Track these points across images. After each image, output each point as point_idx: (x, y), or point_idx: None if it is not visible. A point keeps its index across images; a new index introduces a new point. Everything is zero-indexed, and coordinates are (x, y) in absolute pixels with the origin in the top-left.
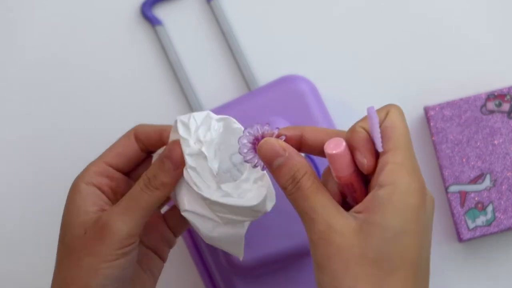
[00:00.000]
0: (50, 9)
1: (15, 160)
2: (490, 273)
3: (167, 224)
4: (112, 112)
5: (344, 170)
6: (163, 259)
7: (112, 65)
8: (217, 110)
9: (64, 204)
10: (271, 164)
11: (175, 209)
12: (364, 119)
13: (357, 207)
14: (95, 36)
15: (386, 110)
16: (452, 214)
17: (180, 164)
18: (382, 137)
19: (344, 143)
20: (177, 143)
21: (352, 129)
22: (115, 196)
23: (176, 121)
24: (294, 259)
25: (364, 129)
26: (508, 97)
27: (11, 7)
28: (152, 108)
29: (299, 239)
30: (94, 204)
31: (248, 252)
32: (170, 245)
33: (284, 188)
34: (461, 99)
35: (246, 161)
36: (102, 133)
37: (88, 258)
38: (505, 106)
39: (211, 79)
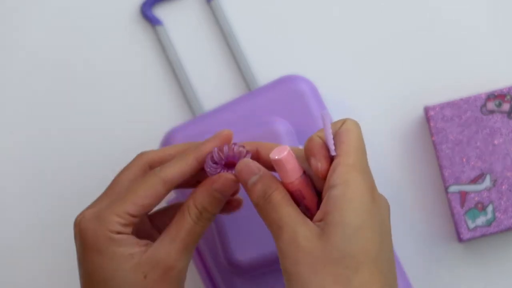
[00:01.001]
0: (50, 9)
1: (15, 163)
2: (490, 273)
3: (153, 225)
4: (112, 112)
5: (290, 176)
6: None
7: (112, 65)
8: (217, 110)
9: (87, 256)
10: (247, 183)
11: (162, 212)
12: (321, 130)
13: (316, 216)
14: (95, 36)
15: (343, 120)
16: (452, 214)
17: (228, 195)
18: (336, 141)
19: (288, 149)
20: (225, 175)
21: (309, 138)
22: (138, 235)
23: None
24: None
25: (320, 138)
26: (508, 97)
27: (10, 7)
28: (152, 108)
29: None
30: (132, 245)
31: (248, 252)
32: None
33: (256, 204)
34: (461, 99)
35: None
36: (102, 133)
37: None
38: (505, 106)
39: (211, 79)
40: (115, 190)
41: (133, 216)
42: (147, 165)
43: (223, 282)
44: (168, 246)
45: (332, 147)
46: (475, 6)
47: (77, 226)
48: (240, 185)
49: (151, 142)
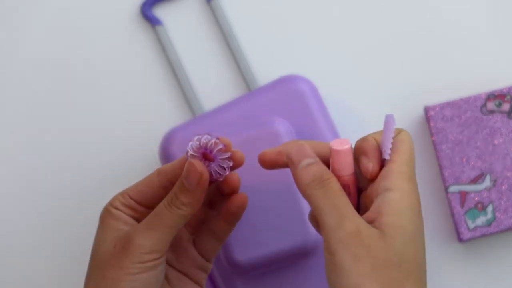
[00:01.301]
0: (50, 9)
1: (15, 163)
2: (490, 273)
3: (196, 249)
4: (112, 111)
5: (345, 169)
6: (199, 284)
7: (112, 65)
8: (217, 110)
9: (96, 231)
10: (298, 164)
11: (202, 234)
12: (376, 133)
13: (367, 215)
14: (95, 36)
15: (399, 130)
16: (452, 214)
17: (196, 184)
18: (393, 150)
19: (349, 142)
20: (192, 163)
21: (364, 138)
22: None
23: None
24: (294, 259)
25: (375, 139)
26: (508, 97)
27: (10, 7)
28: (152, 108)
29: (298, 239)
30: (126, 224)
31: (248, 252)
32: (206, 270)
33: (309, 184)
34: (461, 99)
35: None
36: (102, 133)
37: (112, 270)
38: (505, 106)
39: (211, 79)
40: None
41: (131, 198)
42: (156, 172)
43: (223, 282)
44: (137, 225)
45: (388, 151)
46: (475, 6)
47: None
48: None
49: (151, 142)
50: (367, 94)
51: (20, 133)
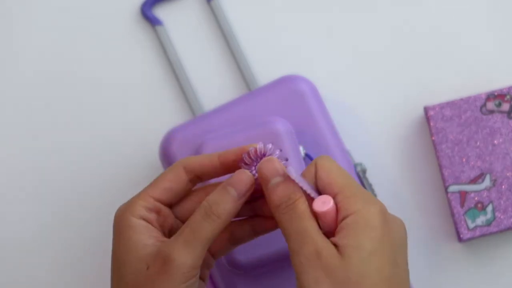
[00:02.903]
0: (50, 9)
1: (18, 166)
2: (490, 273)
3: (208, 249)
4: (112, 112)
5: (332, 224)
6: (204, 280)
7: (112, 65)
8: (217, 110)
9: (113, 240)
10: (268, 182)
11: (221, 234)
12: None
13: (333, 239)
14: (95, 36)
15: (314, 162)
16: (452, 214)
17: (244, 193)
18: (322, 184)
19: (331, 200)
20: (245, 172)
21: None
22: (163, 230)
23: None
24: None
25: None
26: (508, 97)
27: (10, 6)
28: (152, 108)
29: None
30: (150, 237)
31: (248, 252)
32: (209, 267)
33: (276, 207)
34: (461, 99)
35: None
36: (102, 133)
37: None
38: (505, 106)
39: (211, 79)
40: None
41: (156, 199)
42: (181, 168)
43: (223, 282)
44: (173, 241)
45: (313, 193)
46: (475, 7)
47: (115, 214)
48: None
49: (151, 142)
50: (367, 94)
51: (21, 133)
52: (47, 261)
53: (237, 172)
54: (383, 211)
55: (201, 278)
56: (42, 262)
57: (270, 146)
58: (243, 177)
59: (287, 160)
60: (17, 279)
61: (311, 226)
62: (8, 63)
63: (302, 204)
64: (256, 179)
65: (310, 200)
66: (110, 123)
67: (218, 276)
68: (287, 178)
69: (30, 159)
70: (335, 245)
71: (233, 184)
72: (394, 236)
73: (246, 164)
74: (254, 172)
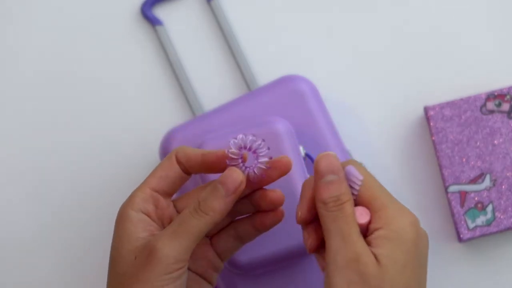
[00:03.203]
0: (49, 9)
1: (18, 166)
2: (490, 273)
3: (214, 249)
4: (112, 112)
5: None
6: (212, 283)
7: (112, 65)
8: (217, 110)
9: (113, 233)
10: (321, 177)
11: (223, 234)
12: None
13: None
14: (95, 36)
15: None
16: (452, 214)
17: (233, 191)
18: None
19: (369, 215)
20: (235, 170)
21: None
22: (162, 222)
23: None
24: (294, 259)
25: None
26: (508, 97)
27: (9, 6)
28: (153, 108)
29: (299, 239)
30: (144, 230)
31: (248, 252)
32: (218, 270)
33: (324, 202)
34: (461, 99)
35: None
36: (102, 133)
37: (137, 284)
38: (505, 106)
39: (211, 79)
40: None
41: (152, 189)
42: (174, 156)
43: (223, 282)
44: (160, 233)
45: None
46: (475, 7)
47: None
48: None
49: (151, 142)
50: (367, 94)
51: (21, 133)
52: (47, 261)
53: (228, 169)
54: (415, 223)
55: (208, 281)
56: (42, 262)
57: (250, 137)
58: (233, 175)
59: (269, 149)
60: (17, 279)
61: (355, 230)
62: (8, 63)
63: (350, 207)
64: (248, 175)
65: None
66: (110, 123)
67: (218, 276)
68: (341, 178)
69: (30, 159)
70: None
71: (222, 182)
72: (421, 250)
73: (232, 159)
74: (241, 166)
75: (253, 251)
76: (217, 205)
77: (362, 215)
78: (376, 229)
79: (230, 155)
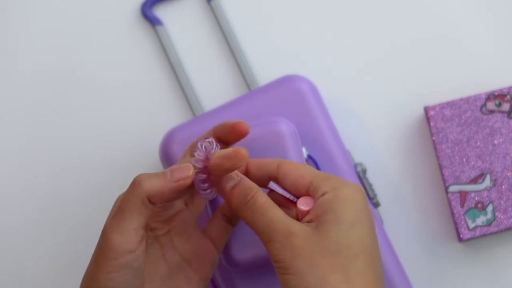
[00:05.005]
0: (49, 9)
1: (18, 163)
2: (490, 273)
3: (208, 237)
4: (112, 112)
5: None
6: (207, 280)
7: (112, 65)
8: (217, 110)
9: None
10: (224, 189)
11: (214, 221)
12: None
13: (306, 218)
14: (95, 36)
15: (276, 164)
16: (452, 214)
17: (176, 180)
18: (296, 178)
19: (313, 202)
20: (189, 166)
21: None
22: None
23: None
24: None
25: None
26: (508, 97)
27: (9, 7)
28: (153, 108)
29: None
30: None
31: (247, 252)
32: (213, 262)
33: (238, 207)
34: (461, 99)
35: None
36: (102, 133)
37: (91, 267)
38: (505, 106)
39: (211, 79)
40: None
41: (144, 228)
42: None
43: (223, 282)
44: (109, 217)
45: (291, 197)
46: (475, 7)
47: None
48: None
49: (151, 142)
50: (367, 94)
51: (21, 133)
52: (47, 261)
53: (183, 165)
54: (360, 189)
55: (202, 274)
56: (42, 262)
57: (198, 145)
58: (183, 168)
59: (216, 144)
60: (16, 279)
61: (276, 214)
62: (8, 63)
63: (261, 197)
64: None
65: (293, 204)
66: (110, 123)
67: (218, 275)
68: (240, 180)
69: (30, 159)
70: (310, 221)
71: (172, 169)
72: (369, 210)
73: (201, 173)
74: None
75: (252, 250)
76: (151, 183)
77: (307, 203)
78: (324, 193)
79: (194, 163)
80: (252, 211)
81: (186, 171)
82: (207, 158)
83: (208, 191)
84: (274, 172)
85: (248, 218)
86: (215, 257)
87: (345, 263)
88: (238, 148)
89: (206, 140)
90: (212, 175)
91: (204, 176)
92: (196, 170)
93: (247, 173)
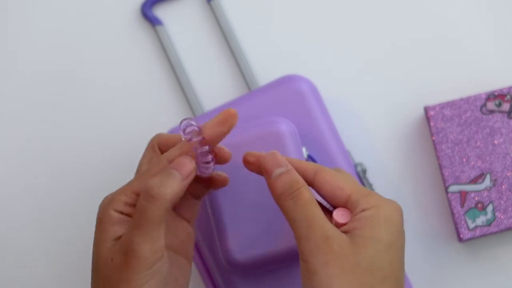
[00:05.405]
0: (49, 9)
1: (19, 163)
2: (490, 273)
3: (176, 211)
4: (112, 112)
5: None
6: (189, 258)
7: (112, 65)
8: (217, 110)
9: (94, 234)
10: (271, 174)
11: (183, 201)
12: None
13: (343, 228)
14: (95, 36)
15: (313, 171)
16: (452, 214)
17: (186, 176)
18: (334, 189)
19: (350, 215)
20: (186, 157)
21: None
22: None
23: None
24: (294, 258)
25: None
26: (508, 97)
27: (10, 7)
28: (153, 108)
29: None
30: (122, 230)
31: (247, 252)
32: (192, 238)
33: (280, 195)
34: (461, 99)
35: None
36: (102, 133)
37: (122, 285)
38: (505, 106)
39: (211, 79)
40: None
41: (137, 194)
42: (156, 145)
43: (223, 282)
44: (127, 230)
45: (327, 205)
46: (475, 7)
47: (99, 205)
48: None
49: None
50: (367, 94)
51: (20, 133)
52: (47, 261)
53: (180, 157)
54: (399, 209)
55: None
56: (42, 262)
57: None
58: (185, 162)
59: (200, 130)
60: (16, 279)
61: (318, 212)
62: (8, 63)
63: (307, 192)
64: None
65: (328, 213)
66: (110, 123)
67: (218, 275)
68: (290, 169)
69: (30, 159)
70: (347, 232)
71: (177, 168)
72: (404, 232)
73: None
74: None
75: (251, 250)
76: (173, 189)
77: (343, 216)
78: (364, 210)
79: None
80: (295, 203)
81: (189, 163)
82: (200, 130)
83: (212, 163)
84: (310, 179)
85: (289, 209)
86: (193, 234)
87: (373, 283)
88: (227, 109)
89: (183, 120)
90: (213, 147)
91: (206, 147)
92: (195, 146)
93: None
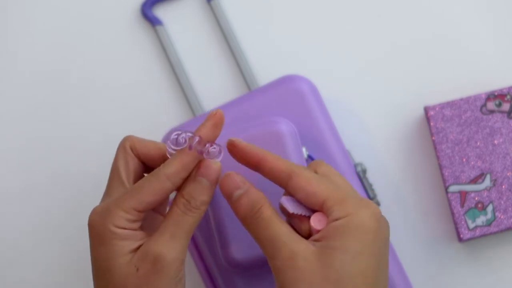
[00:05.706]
0: (49, 10)
1: (19, 163)
2: (490, 273)
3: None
4: (112, 111)
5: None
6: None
7: (112, 65)
8: None
9: (93, 247)
10: (231, 197)
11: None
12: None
13: (314, 237)
14: (95, 36)
15: (287, 174)
16: (452, 214)
17: (216, 181)
18: (308, 195)
19: (326, 220)
20: (208, 161)
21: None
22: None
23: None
24: None
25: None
26: (508, 97)
27: (10, 7)
28: (153, 108)
29: None
30: (135, 242)
31: (247, 252)
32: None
33: (243, 218)
34: (461, 99)
35: None
36: (102, 133)
37: None
38: (505, 106)
39: (211, 79)
40: (116, 181)
41: (140, 211)
42: (128, 147)
43: (223, 282)
44: (157, 237)
45: (303, 212)
46: (475, 7)
47: (89, 219)
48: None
49: None
50: (367, 94)
51: (20, 133)
52: (47, 261)
53: (204, 161)
54: (376, 214)
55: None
56: (42, 263)
57: (175, 135)
58: (212, 166)
59: (192, 134)
60: (16, 279)
61: (281, 229)
62: (8, 63)
63: (267, 210)
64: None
65: (306, 220)
66: (109, 123)
67: (218, 276)
68: (247, 189)
69: (30, 159)
70: (316, 241)
71: (204, 174)
72: (382, 237)
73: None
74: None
75: (252, 250)
76: (206, 198)
77: (320, 222)
78: (336, 219)
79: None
80: (256, 225)
81: (216, 168)
82: (192, 133)
83: (220, 155)
84: (284, 182)
85: (253, 230)
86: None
87: None
88: (216, 113)
89: (174, 134)
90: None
91: (207, 144)
92: (198, 149)
93: (260, 166)
